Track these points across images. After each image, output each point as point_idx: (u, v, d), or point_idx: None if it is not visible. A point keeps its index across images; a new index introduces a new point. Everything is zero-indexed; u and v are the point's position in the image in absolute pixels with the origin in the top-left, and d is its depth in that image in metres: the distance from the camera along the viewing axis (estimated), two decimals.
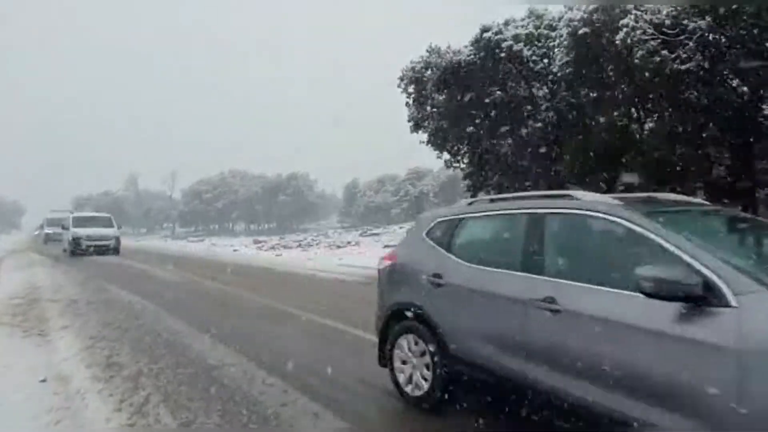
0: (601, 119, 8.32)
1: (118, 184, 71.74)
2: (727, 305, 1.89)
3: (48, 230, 31.96)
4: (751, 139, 7.89)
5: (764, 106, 7.80)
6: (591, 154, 8.62)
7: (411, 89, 11.17)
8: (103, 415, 3.71)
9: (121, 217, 61.40)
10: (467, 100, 10.08)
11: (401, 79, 11.27)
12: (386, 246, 23.10)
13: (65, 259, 18.36)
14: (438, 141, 11.38)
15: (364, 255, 19.89)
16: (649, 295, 2.00)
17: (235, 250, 27.06)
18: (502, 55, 9.41)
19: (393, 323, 3.48)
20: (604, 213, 2.44)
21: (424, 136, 11.56)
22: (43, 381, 4.29)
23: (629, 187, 8.95)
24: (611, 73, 8.02)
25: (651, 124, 8.35)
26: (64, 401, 3.95)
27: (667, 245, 2.15)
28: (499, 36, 9.57)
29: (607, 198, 2.62)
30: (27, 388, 4.09)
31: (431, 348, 3.10)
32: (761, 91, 7.62)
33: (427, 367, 3.16)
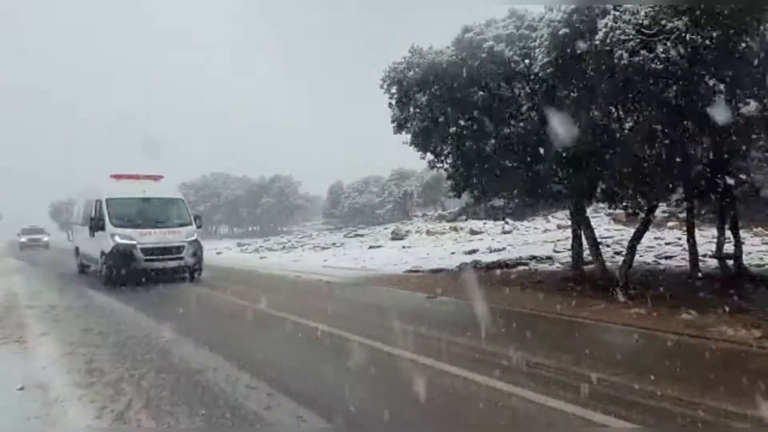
0: (582, 119, 8.37)
1: None
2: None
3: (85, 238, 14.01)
4: (728, 138, 8.02)
5: (740, 105, 7.93)
6: (572, 153, 8.68)
7: (394, 90, 11.14)
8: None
9: None
10: (450, 100, 10.09)
11: (384, 80, 11.23)
12: (371, 247, 23.08)
13: None
14: (421, 142, 11.37)
15: (348, 257, 19.86)
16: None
17: (218, 253, 26.80)
18: (484, 55, 9.43)
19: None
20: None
21: (408, 137, 11.53)
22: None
23: (610, 186, 9.07)
24: (592, 73, 8.08)
25: (630, 123, 8.44)
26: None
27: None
28: (480, 36, 9.60)
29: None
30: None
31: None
32: (737, 90, 7.75)
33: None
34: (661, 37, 7.09)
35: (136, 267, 11.86)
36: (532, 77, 9.25)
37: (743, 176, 8.88)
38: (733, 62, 7.36)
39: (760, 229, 15.48)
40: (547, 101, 9.05)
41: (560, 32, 8.01)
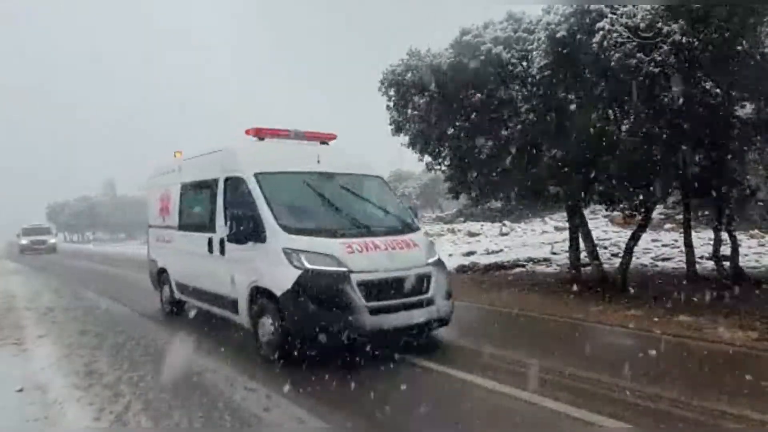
0: (579, 121, 8.39)
1: (96, 189, 70.24)
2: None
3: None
4: (724, 140, 8.05)
5: (736, 108, 7.96)
6: (569, 155, 8.70)
7: (392, 92, 11.16)
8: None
9: (98, 221, 60.00)
10: (447, 102, 10.11)
11: (382, 83, 11.25)
12: None
13: None
14: (419, 143, 11.37)
15: None
16: None
17: None
18: (482, 57, 9.45)
19: None
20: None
21: (406, 139, 11.54)
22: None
23: (608, 188, 9.09)
24: (589, 76, 8.11)
25: (627, 126, 8.45)
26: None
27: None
28: (478, 39, 9.61)
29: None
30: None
31: None
32: (733, 93, 7.78)
33: None
34: (657, 40, 7.12)
35: (351, 325, 5.08)
36: (529, 80, 9.27)
37: (739, 178, 8.91)
38: (729, 65, 7.40)
39: (756, 231, 15.52)
40: (545, 103, 9.07)
41: (557, 35, 8.04)
